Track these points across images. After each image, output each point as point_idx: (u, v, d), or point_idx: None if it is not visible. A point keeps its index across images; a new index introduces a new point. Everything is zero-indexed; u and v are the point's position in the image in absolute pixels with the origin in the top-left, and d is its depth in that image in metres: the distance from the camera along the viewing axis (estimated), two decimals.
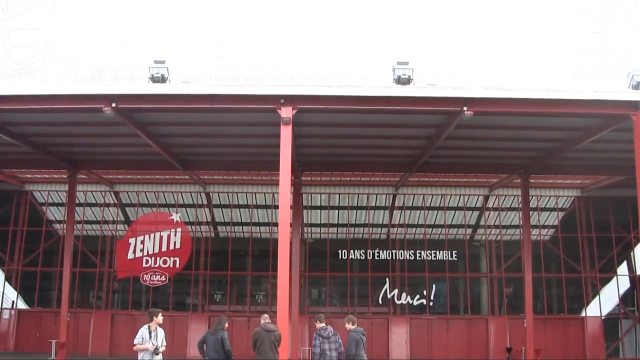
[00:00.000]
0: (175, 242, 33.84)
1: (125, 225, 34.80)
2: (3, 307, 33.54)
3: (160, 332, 17.73)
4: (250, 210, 34.53)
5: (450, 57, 34.07)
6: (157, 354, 17.37)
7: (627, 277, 34.27)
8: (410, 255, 34.17)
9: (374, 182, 33.41)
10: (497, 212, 34.54)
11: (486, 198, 34.31)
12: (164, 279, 33.50)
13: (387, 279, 33.87)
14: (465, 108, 19.73)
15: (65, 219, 31.37)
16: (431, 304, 33.67)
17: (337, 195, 34.28)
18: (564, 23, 36.40)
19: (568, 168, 28.95)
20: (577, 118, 21.70)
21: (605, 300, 33.72)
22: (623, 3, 39.70)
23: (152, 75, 21.50)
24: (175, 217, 34.17)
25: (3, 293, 33.74)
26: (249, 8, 35.41)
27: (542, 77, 33.53)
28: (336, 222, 34.82)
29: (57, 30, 35.80)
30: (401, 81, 20.93)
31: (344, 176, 32.29)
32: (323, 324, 18.90)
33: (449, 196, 34.21)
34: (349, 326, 18.94)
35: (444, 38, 34.51)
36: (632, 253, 34.42)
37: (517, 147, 25.99)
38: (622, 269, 34.48)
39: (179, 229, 34.02)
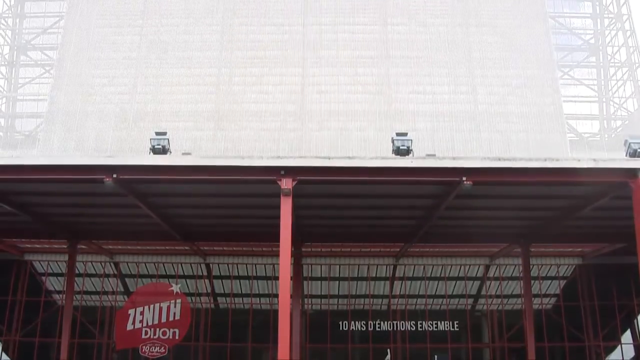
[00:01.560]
0: (175, 313, 33.55)
1: (125, 296, 34.57)
2: None
3: None
4: (251, 281, 34.36)
5: (448, 127, 34.42)
6: None
7: (632, 346, 33.92)
8: (411, 326, 33.89)
9: (374, 253, 33.31)
10: (498, 282, 34.36)
11: (487, 268, 34.16)
12: (163, 350, 33.10)
13: (388, 351, 33.50)
14: (464, 178, 19.83)
15: (65, 289, 31.23)
16: None
17: (338, 267, 34.12)
18: (562, 93, 36.86)
19: (568, 236, 28.86)
20: (576, 186, 21.76)
21: None
22: (617, 73, 40.37)
23: (153, 146, 21.68)
24: (175, 288, 33.95)
25: None
26: (249, 80, 35.91)
27: (541, 146, 33.82)
28: (337, 293, 34.61)
29: (59, 100, 36.21)
30: (400, 152, 21.13)
31: (344, 247, 32.21)
32: None
33: (450, 266, 34.05)
34: None
35: (442, 109, 34.89)
36: (635, 321, 34.12)
37: (517, 217, 26.03)
38: (626, 337, 34.11)
39: (178, 300, 33.75)
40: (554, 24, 40.66)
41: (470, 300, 34.71)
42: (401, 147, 21.21)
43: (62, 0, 41.19)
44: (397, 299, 34.34)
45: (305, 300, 34.00)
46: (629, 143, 21.08)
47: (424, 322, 33.82)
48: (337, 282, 34.57)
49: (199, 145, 33.64)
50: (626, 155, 21.06)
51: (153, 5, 38.04)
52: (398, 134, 21.68)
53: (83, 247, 31.40)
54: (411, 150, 21.36)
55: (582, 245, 32.06)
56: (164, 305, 33.56)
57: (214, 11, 37.62)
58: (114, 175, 20.02)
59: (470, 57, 36.04)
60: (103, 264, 34.49)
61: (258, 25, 37.18)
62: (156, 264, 34.27)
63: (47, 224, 27.28)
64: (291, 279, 23.79)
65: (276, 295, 24.34)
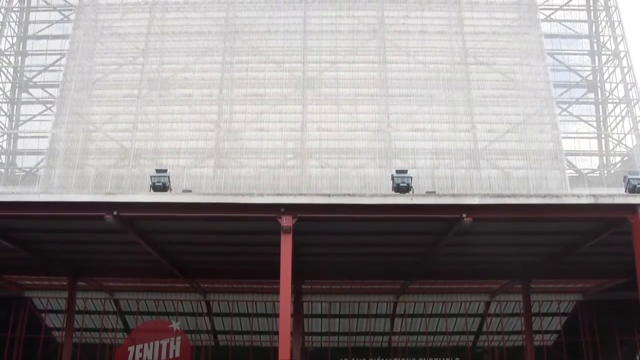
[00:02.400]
0: (174, 351, 33.37)
1: (125, 333, 34.42)
2: None
3: None
4: (251, 318, 34.23)
5: (448, 164, 34.48)
6: None
7: None
8: None
9: (375, 290, 33.22)
10: (499, 318, 34.21)
11: (487, 304, 34.04)
12: None
13: None
14: (464, 215, 19.91)
15: (65, 326, 31.11)
16: None
17: (338, 304, 34.00)
18: (561, 129, 36.96)
19: (569, 272, 28.87)
20: (576, 222, 21.81)
21: None
22: (615, 109, 40.51)
23: (154, 183, 21.81)
24: (175, 325, 33.83)
25: None
26: (249, 117, 36.09)
27: (540, 182, 33.86)
28: (337, 331, 34.45)
29: (60, 138, 36.31)
30: (400, 189, 21.24)
31: (344, 284, 32.13)
32: None
33: (450, 303, 33.92)
34: None
35: (441, 146, 34.98)
36: (637, 356, 33.93)
37: (517, 253, 26.01)
38: None
39: (178, 338, 33.61)
40: (552, 61, 40.86)
41: (471, 337, 34.56)
42: (401, 185, 21.34)
43: (63, 38, 41.44)
44: (397, 336, 34.17)
45: (306, 337, 33.84)
46: (628, 179, 21.19)
47: None
48: (338, 319, 34.44)
49: (199, 183, 33.70)
50: (625, 191, 21.17)
51: (154, 43, 38.33)
52: (398, 172, 21.84)
53: (83, 284, 31.36)
54: (411, 187, 21.49)
55: (583, 281, 32.00)
56: (164, 342, 33.41)
57: (214, 49, 37.91)
58: (115, 213, 20.12)
59: (469, 95, 36.22)
60: (103, 301, 34.37)
61: (258, 63, 37.44)
62: (156, 302, 34.15)
63: (47, 261, 27.27)
64: (291, 317, 23.75)
65: (276, 333, 24.27)
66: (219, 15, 38.85)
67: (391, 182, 21.87)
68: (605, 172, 40.21)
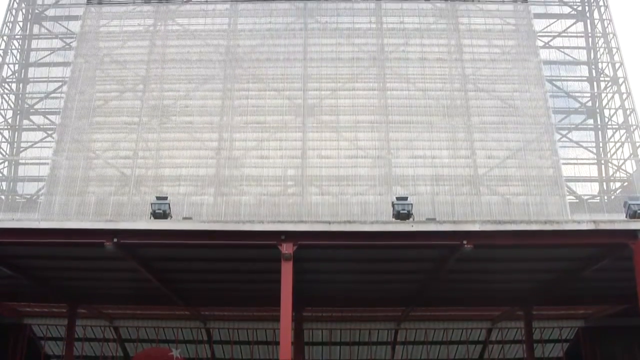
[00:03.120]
0: None
1: None
2: None
3: None
4: (251, 346, 34.07)
5: (448, 191, 34.54)
6: None
7: None
8: None
9: (376, 317, 33.08)
10: (500, 345, 34.05)
11: (489, 331, 33.89)
12: None
13: None
14: (465, 242, 19.88)
15: (64, 353, 30.96)
16: None
17: (339, 331, 33.86)
18: (561, 155, 37.04)
19: (570, 298, 28.75)
20: (577, 248, 21.76)
21: None
22: (615, 135, 40.59)
23: (154, 210, 21.79)
24: (175, 353, 33.52)
25: None
26: (249, 145, 36.19)
27: (541, 209, 33.87)
28: (338, 358, 34.27)
29: (60, 164, 36.41)
30: (401, 216, 21.25)
31: (345, 311, 32.01)
32: None
33: (452, 330, 33.78)
34: None
35: (442, 173, 35.06)
36: None
37: (518, 279, 25.94)
38: None
39: None
40: (552, 88, 41.05)
41: None
42: (401, 212, 21.34)
43: (65, 66, 41.69)
44: None
45: None
46: (629, 204, 21.15)
47: None
48: (339, 346, 34.29)
49: (200, 210, 33.77)
50: (626, 217, 21.11)
51: (154, 70, 38.59)
52: (398, 198, 21.86)
53: (83, 311, 31.25)
54: (411, 214, 21.50)
55: (585, 308, 31.88)
56: None
57: (215, 77, 38.17)
58: (115, 240, 20.09)
59: (469, 122, 36.40)
60: (103, 328, 34.25)
61: (258, 91, 37.68)
62: (156, 329, 34.01)
63: (47, 288, 27.20)
64: (292, 344, 23.64)
65: None
66: (220, 43, 39.16)
67: (392, 208, 21.88)
68: (606, 197, 40.25)
